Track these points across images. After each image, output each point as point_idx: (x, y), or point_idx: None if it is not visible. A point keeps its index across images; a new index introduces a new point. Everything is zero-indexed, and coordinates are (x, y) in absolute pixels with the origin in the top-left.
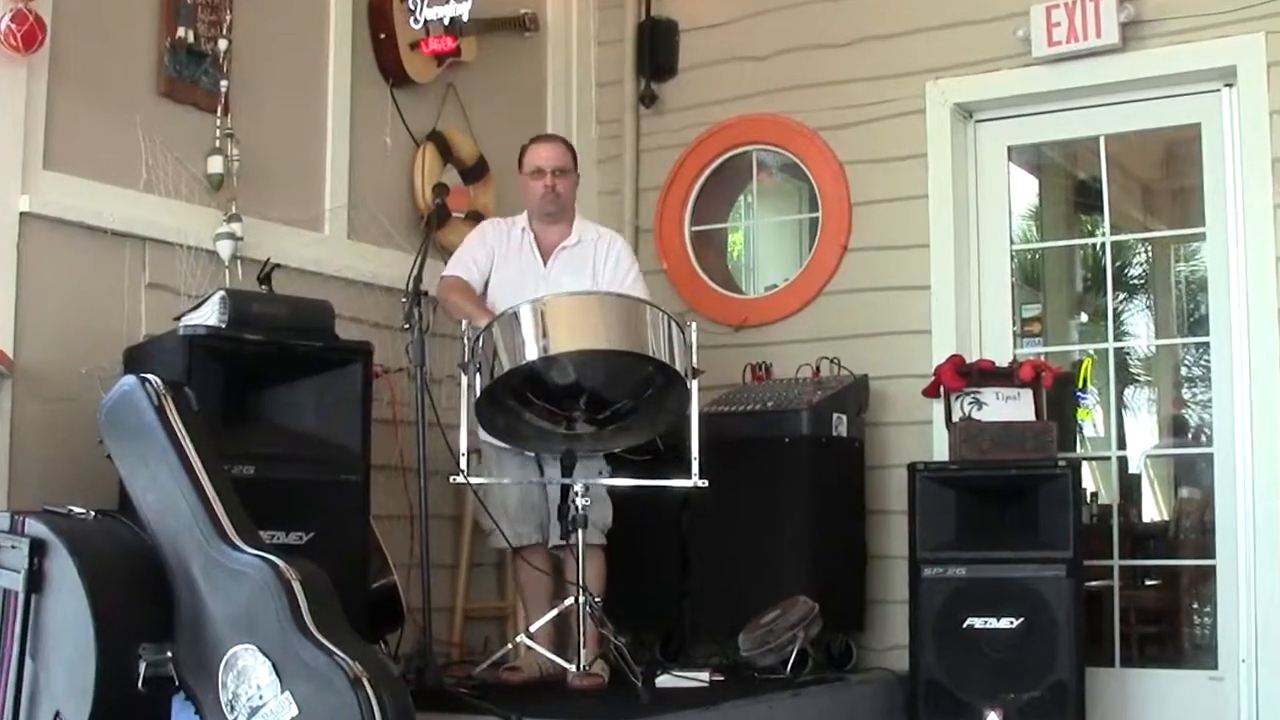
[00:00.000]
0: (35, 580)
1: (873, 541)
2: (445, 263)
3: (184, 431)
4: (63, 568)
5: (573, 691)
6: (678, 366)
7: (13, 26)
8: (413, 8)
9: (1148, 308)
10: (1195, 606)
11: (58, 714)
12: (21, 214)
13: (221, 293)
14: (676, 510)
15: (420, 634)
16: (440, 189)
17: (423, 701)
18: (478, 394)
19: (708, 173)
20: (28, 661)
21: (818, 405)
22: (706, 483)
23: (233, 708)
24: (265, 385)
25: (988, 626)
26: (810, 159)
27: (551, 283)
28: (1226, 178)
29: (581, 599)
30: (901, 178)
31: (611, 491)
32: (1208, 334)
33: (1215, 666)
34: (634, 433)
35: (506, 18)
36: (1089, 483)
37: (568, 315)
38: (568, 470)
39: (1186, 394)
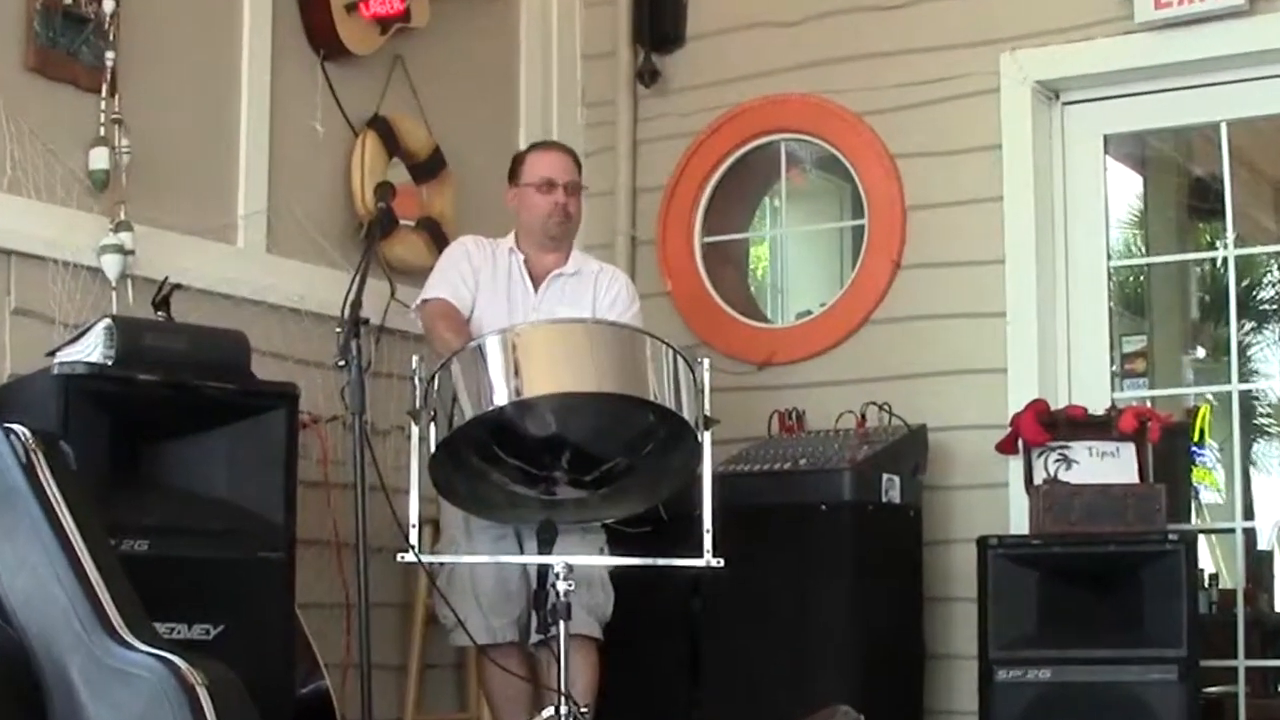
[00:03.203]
0: None
1: (933, 636)
2: (390, 283)
3: (59, 497)
4: None
5: None
6: (685, 415)
7: None
8: None
9: None
10: None
11: None
12: None
13: (107, 321)
14: (685, 596)
15: None
16: (385, 189)
17: None
18: (432, 449)
19: (724, 169)
20: None
21: (863, 464)
22: (722, 562)
23: None
24: (163, 438)
25: None
26: (854, 151)
27: (543, 313)
28: None
29: (564, 709)
30: (970, 175)
31: (611, 574)
32: None
33: None
34: (630, 498)
35: None
36: (1207, 562)
37: (546, 349)
38: (546, 545)
39: None
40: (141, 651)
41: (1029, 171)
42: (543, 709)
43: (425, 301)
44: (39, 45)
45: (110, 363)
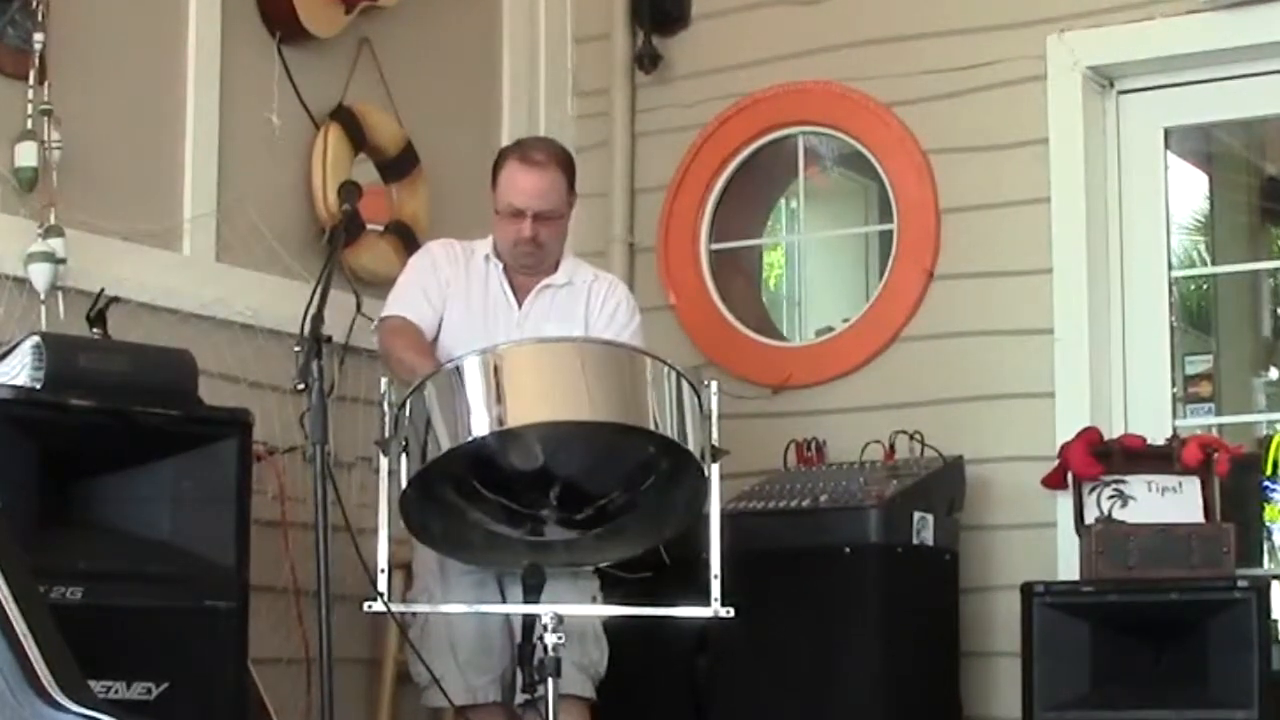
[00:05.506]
0: None
1: (971, 695)
2: (355, 296)
3: None
4: None
5: None
6: (690, 445)
7: None
8: None
9: None
10: None
11: None
12: None
13: (35, 339)
14: (689, 650)
15: None
16: (350, 189)
17: None
18: (404, 484)
19: (733, 167)
20: None
21: (892, 501)
22: (732, 611)
23: None
24: (99, 472)
25: None
26: (881, 146)
27: (527, 330)
28: None
29: None
30: (1013, 173)
31: (606, 625)
32: None
33: None
34: (628, 539)
35: None
36: None
37: (533, 372)
38: (533, 593)
39: None
40: (75, 713)
41: (1080, 169)
42: None
43: (384, 320)
44: None
45: (39, 386)
